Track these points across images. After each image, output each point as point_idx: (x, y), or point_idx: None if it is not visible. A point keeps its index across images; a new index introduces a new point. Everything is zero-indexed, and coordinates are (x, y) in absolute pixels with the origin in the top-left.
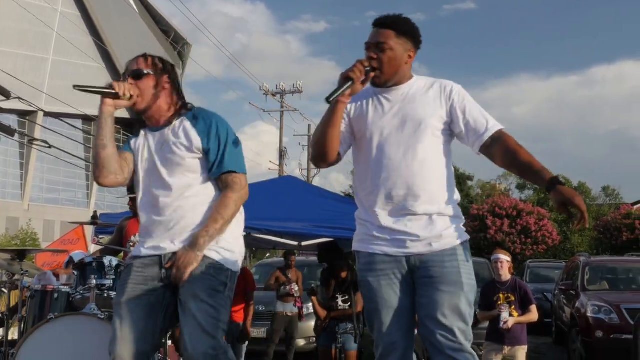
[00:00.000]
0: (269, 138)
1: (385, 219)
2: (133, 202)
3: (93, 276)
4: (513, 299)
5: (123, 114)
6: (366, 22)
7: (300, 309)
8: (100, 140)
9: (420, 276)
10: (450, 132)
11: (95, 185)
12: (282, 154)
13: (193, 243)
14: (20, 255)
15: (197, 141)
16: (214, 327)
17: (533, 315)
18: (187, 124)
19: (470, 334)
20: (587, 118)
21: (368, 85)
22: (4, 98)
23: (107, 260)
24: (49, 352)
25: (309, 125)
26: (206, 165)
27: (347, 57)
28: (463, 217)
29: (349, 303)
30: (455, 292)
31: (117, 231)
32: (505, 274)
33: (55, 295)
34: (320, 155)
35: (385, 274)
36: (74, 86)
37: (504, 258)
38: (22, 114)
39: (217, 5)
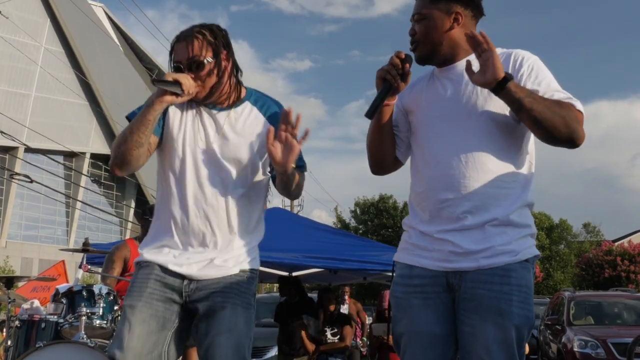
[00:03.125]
0: None
1: (429, 225)
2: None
3: (82, 304)
4: None
5: (106, 150)
6: (350, 61)
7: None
8: (138, 136)
9: (461, 299)
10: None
11: (75, 222)
12: None
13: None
14: (7, 283)
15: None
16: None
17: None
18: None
19: None
20: (565, 156)
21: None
22: None
23: (97, 288)
24: None
25: None
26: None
27: (331, 95)
28: (533, 228)
29: (338, 336)
30: (502, 325)
31: (115, 261)
32: None
33: (43, 325)
34: (376, 165)
35: (421, 292)
36: (152, 80)
37: None
38: (1, 150)
39: None
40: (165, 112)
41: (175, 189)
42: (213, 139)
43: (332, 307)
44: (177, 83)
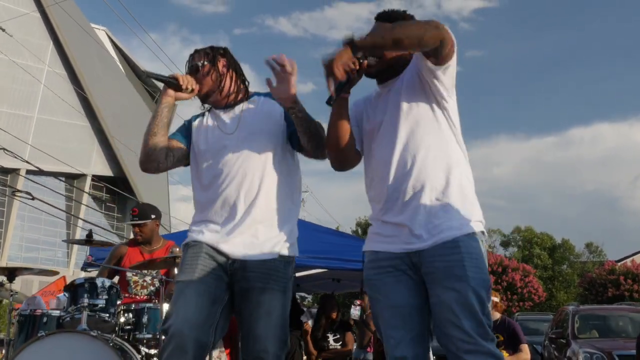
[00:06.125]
0: None
1: (386, 214)
2: (140, 229)
3: (85, 295)
4: (502, 338)
5: (107, 172)
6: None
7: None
8: (151, 127)
9: (424, 273)
10: (438, 99)
11: (75, 245)
12: None
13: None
14: (10, 275)
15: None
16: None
17: (524, 354)
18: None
19: (488, 333)
20: (565, 178)
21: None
22: None
23: (99, 281)
24: None
25: None
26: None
27: None
28: (475, 204)
29: (340, 342)
30: (461, 288)
31: (110, 258)
32: (494, 314)
33: (45, 319)
34: (340, 160)
35: (390, 271)
36: (144, 71)
37: (492, 298)
38: (3, 171)
39: None
40: (189, 128)
41: (204, 174)
42: (233, 128)
43: (334, 315)
44: (173, 78)
